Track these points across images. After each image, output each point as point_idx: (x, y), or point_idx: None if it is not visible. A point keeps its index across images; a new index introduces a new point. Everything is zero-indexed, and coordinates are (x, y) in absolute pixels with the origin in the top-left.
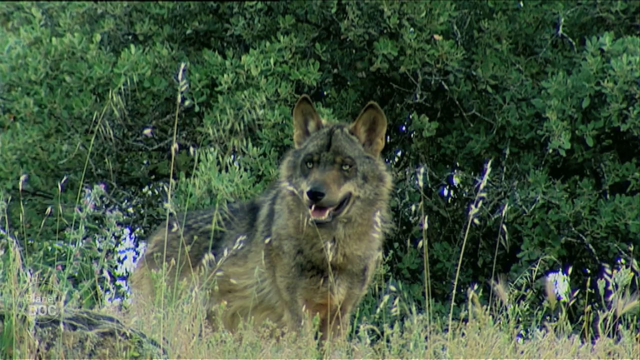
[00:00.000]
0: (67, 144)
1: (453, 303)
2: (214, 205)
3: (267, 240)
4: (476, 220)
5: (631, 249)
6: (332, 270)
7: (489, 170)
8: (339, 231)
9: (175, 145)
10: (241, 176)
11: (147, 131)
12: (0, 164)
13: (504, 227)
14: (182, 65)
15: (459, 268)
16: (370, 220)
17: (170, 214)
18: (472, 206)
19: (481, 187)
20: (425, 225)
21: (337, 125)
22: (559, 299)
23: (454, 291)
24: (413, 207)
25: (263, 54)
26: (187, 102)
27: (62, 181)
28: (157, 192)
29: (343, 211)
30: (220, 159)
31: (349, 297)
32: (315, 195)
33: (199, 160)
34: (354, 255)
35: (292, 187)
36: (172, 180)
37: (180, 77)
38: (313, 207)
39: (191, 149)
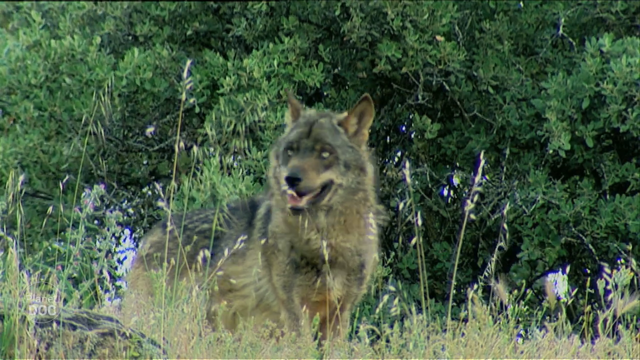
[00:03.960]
0: (67, 147)
1: (453, 303)
2: (214, 206)
3: (262, 242)
4: (472, 216)
5: (629, 247)
6: (325, 264)
7: (482, 163)
8: (320, 220)
9: (180, 144)
10: (243, 179)
11: (149, 130)
12: (2, 169)
13: (505, 226)
14: (188, 63)
15: (456, 266)
16: (354, 210)
17: (171, 215)
18: (468, 201)
19: (476, 180)
20: (420, 222)
21: (323, 115)
22: (558, 299)
23: (453, 291)
24: (401, 205)
25: (266, 56)
26: (191, 100)
27: (63, 181)
28: (157, 192)
29: (324, 199)
30: (223, 160)
31: (347, 296)
32: (292, 181)
33: (198, 161)
34: (342, 248)
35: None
36: (173, 182)
37: (185, 75)
38: (290, 194)
39: (194, 148)
